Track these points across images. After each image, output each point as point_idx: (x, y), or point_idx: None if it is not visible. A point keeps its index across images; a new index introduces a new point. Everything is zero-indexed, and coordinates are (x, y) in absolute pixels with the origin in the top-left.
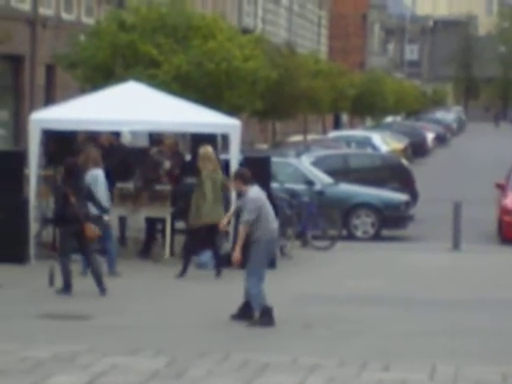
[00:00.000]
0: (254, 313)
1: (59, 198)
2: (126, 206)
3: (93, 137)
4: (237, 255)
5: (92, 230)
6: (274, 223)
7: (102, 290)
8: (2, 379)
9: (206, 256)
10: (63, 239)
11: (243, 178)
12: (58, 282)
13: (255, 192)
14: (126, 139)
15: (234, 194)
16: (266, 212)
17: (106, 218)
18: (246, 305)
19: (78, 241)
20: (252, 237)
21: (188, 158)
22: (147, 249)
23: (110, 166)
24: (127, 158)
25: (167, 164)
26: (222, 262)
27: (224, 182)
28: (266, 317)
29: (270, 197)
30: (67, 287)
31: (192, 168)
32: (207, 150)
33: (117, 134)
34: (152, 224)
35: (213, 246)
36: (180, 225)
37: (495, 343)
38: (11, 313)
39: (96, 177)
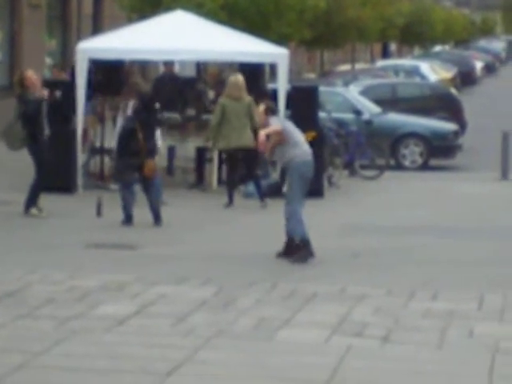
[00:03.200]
0: (310, 247)
1: (126, 131)
2: (173, 136)
3: (142, 66)
4: (260, 139)
5: (151, 167)
6: (304, 145)
7: (158, 221)
8: (50, 308)
9: (253, 186)
10: (124, 171)
11: (272, 111)
12: (106, 211)
13: (280, 117)
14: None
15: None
16: (293, 135)
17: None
18: (290, 242)
19: (139, 173)
20: (284, 162)
21: None
22: (200, 178)
23: (162, 95)
24: (176, 88)
25: (211, 94)
26: (269, 191)
27: (251, 111)
28: (305, 247)
29: (318, 126)
30: (128, 218)
31: None
32: (238, 78)
33: (166, 64)
34: (202, 153)
35: (251, 174)
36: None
37: None
38: (59, 242)
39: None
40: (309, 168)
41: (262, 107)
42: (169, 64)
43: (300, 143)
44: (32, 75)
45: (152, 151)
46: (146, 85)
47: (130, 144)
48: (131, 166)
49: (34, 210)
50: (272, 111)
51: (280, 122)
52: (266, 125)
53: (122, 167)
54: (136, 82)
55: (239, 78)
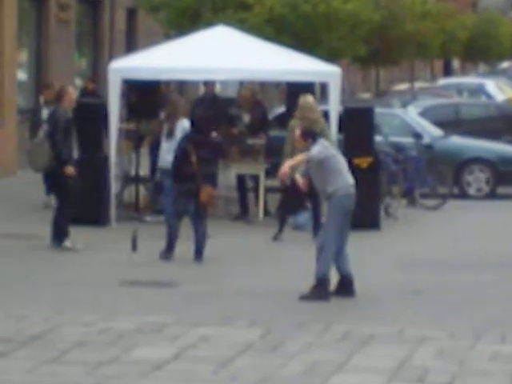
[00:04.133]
0: (351, 286)
1: (179, 153)
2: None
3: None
4: (284, 168)
5: (208, 195)
6: (348, 177)
7: (199, 257)
8: (81, 352)
9: (304, 217)
10: (176, 197)
11: (312, 136)
12: (141, 245)
13: (322, 144)
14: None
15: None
16: (338, 164)
17: None
18: (343, 279)
19: (193, 201)
20: (324, 193)
21: (281, 109)
22: (244, 209)
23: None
24: (217, 110)
25: (246, 118)
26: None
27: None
28: (320, 286)
29: (374, 152)
30: (170, 248)
31: (286, 120)
32: (308, 99)
33: (206, 84)
34: (243, 182)
35: (312, 204)
36: (273, 182)
37: None
38: (90, 280)
39: (186, 127)
40: (352, 201)
41: (297, 131)
42: (210, 84)
43: (344, 173)
44: (73, 92)
45: (209, 177)
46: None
47: (183, 168)
48: (185, 192)
49: (67, 243)
50: (311, 135)
51: (322, 148)
52: (305, 151)
53: (177, 193)
54: (177, 102)
55: (309, 98)
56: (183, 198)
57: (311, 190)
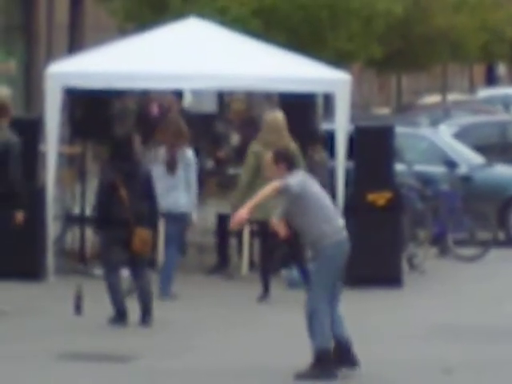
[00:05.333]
0: (349, 353)
1: (103, 189)
2: None
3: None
4: (241, 214)
5: (144, 239)
6: (337, 219)
7: (147, 320)
8: None
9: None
10: (108, 248)
11: (288, 161)
12: (88, 306)
13: (300, 175)
14: (187, 101)
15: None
16: (321, 202)
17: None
18: (339, 346)
19: (126, 250)
20: (307, 241)
21: None
22: (224, 260)
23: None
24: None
25: (235, 138)
26: None
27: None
28: (320, 364)
29: (394, 185)
30: (120, 315)
31: None
32: (275, 117)
33: (178, 95)
34: (224, 224)
35: (296, 254)
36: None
37: None
38: (23, 352)
39: (191, 159)
40: (343, 250)
41: (269, 155)
42: (174, 95)
43: (330, 214)
44: (7, 96)
45: (142, 216)
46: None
47: (111, 209)
48: (117, 240)
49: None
50: (286, 159)
51: (300, 181)
52: (279, 183)
53: (107, 242)
54: (180, 123)
55: (277, 116)
56: (116, 248)
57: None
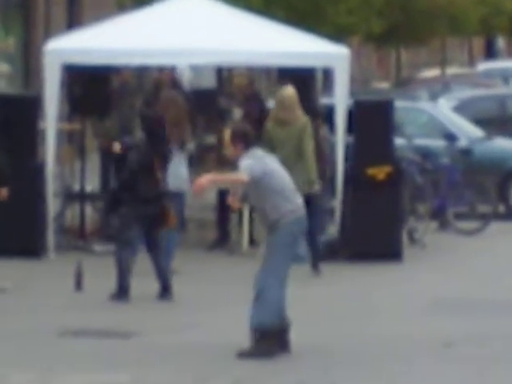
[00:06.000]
0: (285, 336)
1: (138, 168)
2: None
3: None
4: (201, 181)
5: (173, 216)
6: (296, 197)
7: (166, 295)
8: None
9: (304, 245)
10: (127, 225)
11: (244, 140)
12: (88, 283)
13: (254, 154)
14: (185, 77)
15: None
16: (279, 181)
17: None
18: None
19: (147, 227)
20: (266, 221)
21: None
22: (224, 236)
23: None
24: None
25: (237, 113)
26: (323, 252)
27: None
28: (263, 342)
29: (394, 159)
30: (123, 291)
31: None
32: (283, 91)
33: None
34: (224, 199)
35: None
36: None
37: None
38: (23, 329)
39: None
40: (302, 226)
41: (227, 133)
42: (169, 70)
43: (291, 194)
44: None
45: (168, 195)
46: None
47: (143, 185)
48: (142, 217)
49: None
50: (243, 138)
51: (254, 161)
52: (246, 177)
53: (129, 219)
54: (172, 96)
55: (289, 92)
56: (136, 224)
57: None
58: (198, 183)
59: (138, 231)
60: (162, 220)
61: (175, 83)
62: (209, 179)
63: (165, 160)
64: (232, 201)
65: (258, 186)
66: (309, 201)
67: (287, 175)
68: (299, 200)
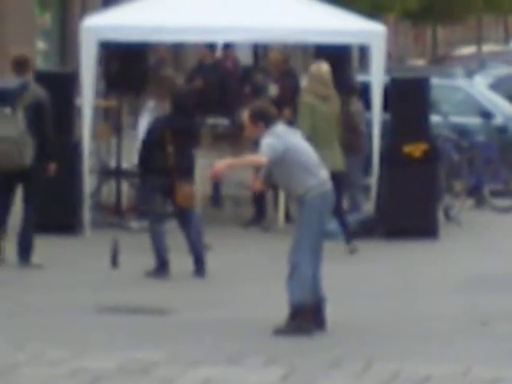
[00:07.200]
0: (320, 315)
1: (150, 140)
2: (221, 151)
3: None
4: (219, 165)
5: (186, 193)
6: (321, 171)
7: (200, 271)
8: None
9: (335, 222)
10: (149, 198)
11: (265, 118)
12: (124, 260)
13: (274, 132)
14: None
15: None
16: (303, 155)
17: None
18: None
19: (170, 201)
20: (293, 196)
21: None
22: (260, 212)
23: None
24: (224, 83)
25: (273, 89)
26: (359, 229)
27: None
28: (298, 319)
29: (430, 136)
30: (162, 267)
31: None
32: (321, 68)
33: (210, 48)
34: None
35: (336, 207)
36: None
37: None
38: (58, 306)
39: None
40: (329, 201)
41: (246, 113)
42: (211, 48)
43: (315, 168)
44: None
45: (187, 170)
46: (180, 78)
47: (156, 159)
48: (158, 190)
49: (36, 259)
50: (263, 116)
51: (274, 140)
52: (265, 159)
53: (147, 192)
54: (167, 75)
55: (323, 68)
56: (159, 198)
57: (338, 190)
58: (216, 169)
59: (162, 205)
60: (172, 196)
61: (216, 62)
62: (227, 163)
63: (181, 134)
64: (255, 183)
65: (282, 162)
66: (335, 177)
67: (311, 149)
68: (324, 174)
